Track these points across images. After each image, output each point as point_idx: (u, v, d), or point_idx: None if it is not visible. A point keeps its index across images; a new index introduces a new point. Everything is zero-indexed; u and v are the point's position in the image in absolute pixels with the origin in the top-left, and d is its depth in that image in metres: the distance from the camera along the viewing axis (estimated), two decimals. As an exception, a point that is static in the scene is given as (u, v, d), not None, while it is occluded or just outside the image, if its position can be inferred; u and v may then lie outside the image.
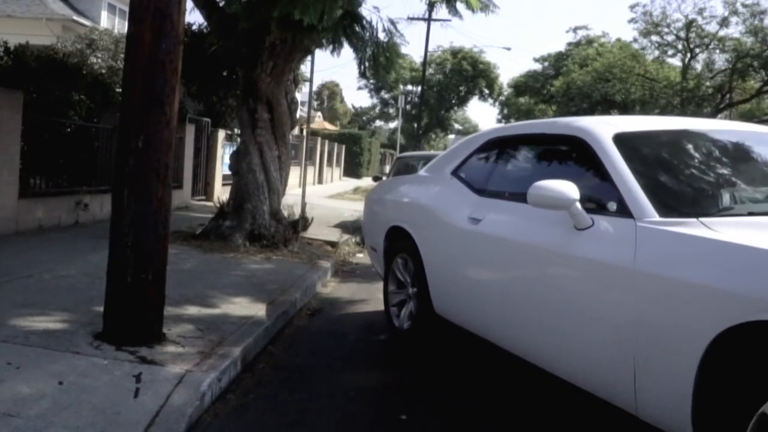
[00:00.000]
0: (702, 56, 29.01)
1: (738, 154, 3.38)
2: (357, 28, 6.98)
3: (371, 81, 39.25)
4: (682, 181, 3.02)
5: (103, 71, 10.20)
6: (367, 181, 26.04)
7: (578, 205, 2.83)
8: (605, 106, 33.95)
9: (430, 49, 41.59)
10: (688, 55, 28.72)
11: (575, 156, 3.26)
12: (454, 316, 3.92)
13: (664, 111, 30.62)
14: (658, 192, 2.73)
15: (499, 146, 4.04)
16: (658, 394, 2.29)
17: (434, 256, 4.12)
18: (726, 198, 2.91)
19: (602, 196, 2.86)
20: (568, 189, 2.85)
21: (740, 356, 1.96)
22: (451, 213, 3.97)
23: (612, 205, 2.76)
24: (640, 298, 2.38)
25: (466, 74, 45.80)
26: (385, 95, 48.94)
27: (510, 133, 4.11)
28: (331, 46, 7.14)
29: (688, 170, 3.17)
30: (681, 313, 2.19)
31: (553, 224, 2.97)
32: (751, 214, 2.70)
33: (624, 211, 2.68)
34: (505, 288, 3.40)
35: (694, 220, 2.49)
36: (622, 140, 3.06)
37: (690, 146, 3.33)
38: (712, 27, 27.56)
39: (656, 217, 2.57)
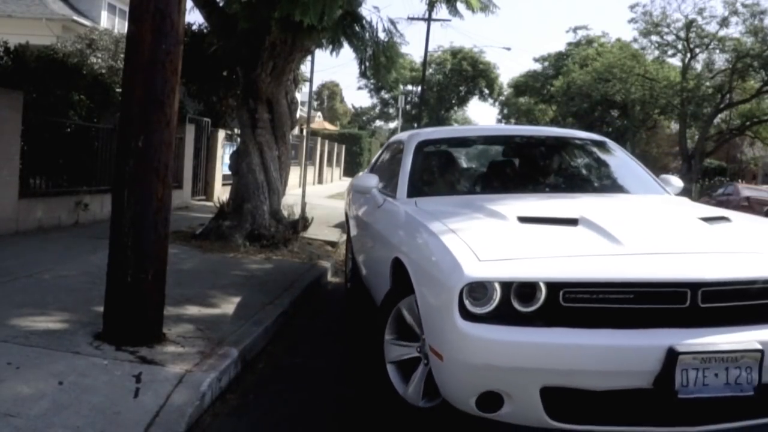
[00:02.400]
0: (702, 56, 29.06)
1: (499, 151, 4.81)
2: (357, 28, 6.97)
3: (371, 81, 39.22)
4: (431, 173, 4.34)
5: (103, 71, 10.19)
6: (367, 181, 25.91)
7: (375, 191, 4.19)
8: (605, 105, 33.96)
9: (430, 49, 41.60)
10: (688, 55, 28.74)
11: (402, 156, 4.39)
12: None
13: (664, 111, 30.66)
14: (414, 182, 3.99)
15: (387, 149, 5.52)
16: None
17: (352, 232, 5.48)
18: (456, 183, 4.35)
19: (397, 184, 4.06)
20: (369, 180, 4.26)
21: (399, 272, 3.09)
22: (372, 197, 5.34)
23: (394, 191, 4.03)
24: (387, 247, 3.47)
25: (466, 74, 45.81)
26: (385, 95, 48.95)
27: (391, 140, 5.60)
28: (331, 46, 7.12)
29: (441, 166, 4.50)
30: (385, 250, 3.46)
31: (372, 204, 4.27)
32: (460, 194, 4.05)
33: (396, 194, 3.95)
34: (361, 251, 4.70)
35: (412, 199, 3.76)
36: (420, 146, 4.30)
37: (461, 148, 4.89)
38: (712, 27, 27.62)
39: (404, 198, 3.83)
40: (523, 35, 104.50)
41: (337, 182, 27.31)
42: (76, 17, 18.45)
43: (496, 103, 48.48)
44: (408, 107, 46.22)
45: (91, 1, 20.37)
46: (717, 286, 2.35)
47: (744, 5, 26.21)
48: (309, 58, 10.58)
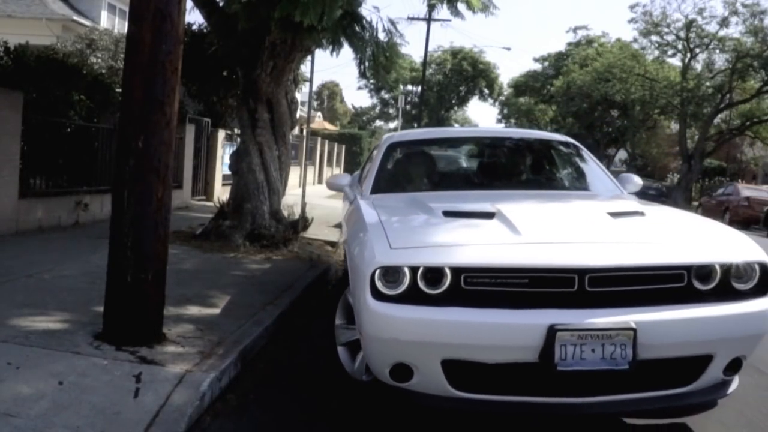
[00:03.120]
0: (702, 56, 29.04)
1: (454, 152, 5.52)
2: (357, 28, 6.96)
3: (371, 81, 39.17)
4: (395, 172, 4.67)
5: (103, 71, 10.20)
6: (367, 181, 25.94)
7: (347, 188, 4.78)
8: (605, 105, 33.95)
9: (430, 49, 41.53)
10: (688, 55, 28.72)
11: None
12: None
13: (664, 111, 30.66)
14: (379, 180, 4.34)
15: (375, 149, 5.61)
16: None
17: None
18: (415, 181, 4.60)
19: (365, 182, 4.43)
20: (342, 179, 4.93)
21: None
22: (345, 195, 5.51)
23: (363, 188, 4.40)
24: (354, 231, 3.52)
25: (466, 74, 45.76)
26: (385, 95, 48.89)
27: (379, 141, 5.74)
28: (331, 46, 7.12)
29: (400, 165, 4.81)
30: (347, 232, 3.74)
31: (347, 201, 4.70)
32: (415, 191, 4.24)
33: (362, 192, 4.32)
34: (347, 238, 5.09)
35: (371, 195, 4.14)
36: (391, 147, 4.74)
37: (422, 149, 5.07)
38: (712, 27, 27.60)
39: (368, 195, 4.18)
40: (523, 35, 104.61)
41: (337, 182, 27.25)
42: (76, 17, 18.46)
43: (496, 103, 48.46)
44: (408, 107, 46.17)
45: (91, 1, 20.38)
46: (602, 272, 2.59)
47: (744, 5, 26.21)
48: (309, 58, 10.59)
